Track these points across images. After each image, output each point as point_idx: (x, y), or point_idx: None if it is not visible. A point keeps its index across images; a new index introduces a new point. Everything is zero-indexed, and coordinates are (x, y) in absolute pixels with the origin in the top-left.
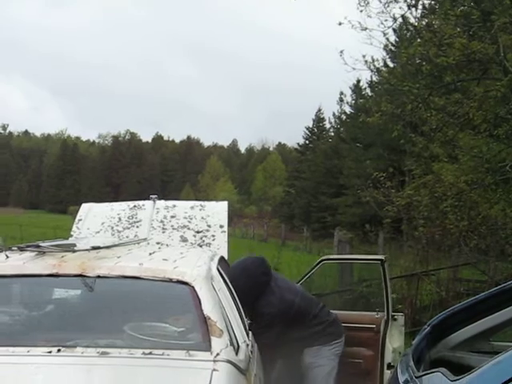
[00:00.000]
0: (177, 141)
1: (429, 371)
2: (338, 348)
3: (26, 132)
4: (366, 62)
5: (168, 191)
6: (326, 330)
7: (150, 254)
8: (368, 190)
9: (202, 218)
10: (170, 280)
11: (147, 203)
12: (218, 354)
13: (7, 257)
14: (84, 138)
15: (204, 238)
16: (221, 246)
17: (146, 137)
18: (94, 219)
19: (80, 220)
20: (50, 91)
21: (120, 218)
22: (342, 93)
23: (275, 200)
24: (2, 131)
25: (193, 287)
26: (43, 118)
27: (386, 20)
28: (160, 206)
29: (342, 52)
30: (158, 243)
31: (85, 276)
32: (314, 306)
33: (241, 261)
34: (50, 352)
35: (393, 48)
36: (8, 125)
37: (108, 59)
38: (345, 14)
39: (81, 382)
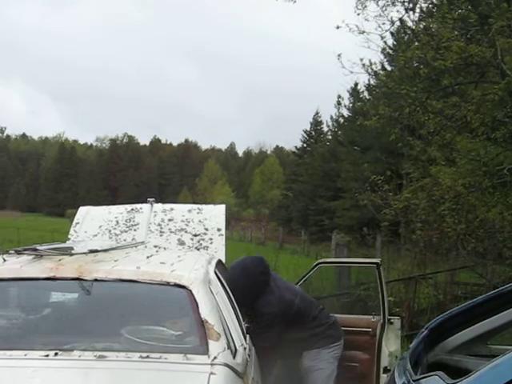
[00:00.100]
0: (174, 144)
1: (426, 375)
2: (337, 351)
3: (24, 135)
4: (363, 65)
5: (166, 194)
6: (325, 332)
7: (148, 257)
8: (366, 193)
9: (200, 221)
10: (168, 283)
11: (145, 206)
12: (215, 358)
13: (4, 260)
14: (82, 141)
15: (201, 242)
16: (218, 250)
17: (144, 140)
18: (92, 222)
19: (77, 223)
20: (49, 94)
21: (117, 221)
22: (339, 96)
23: (273, 203)
24: (0, 134)
25: (190, 291)
26: (41, 121)
27: (383, 23)
28: (157, 209)
29: (339, 55)
30: (155, 246)
31: (82, 279)
32: (313, 308)
33: (240, 261)
34: (47, 355)
35: (390, 51)
36: (5, 128)
37: (108, 63)
38: (343, 18)
39: None
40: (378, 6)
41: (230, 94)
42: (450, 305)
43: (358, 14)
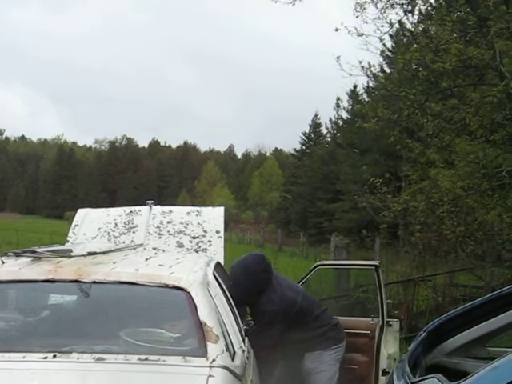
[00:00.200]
0: (173, 146)
1: (425, 377)
2: (339, 353)
3: (23, 137)
4: (362, 67)
5: (164, 197)
6: (327, 333)
7: (146, 259)
8: (364, 195)
9: (199, 223)
10: (166, 286)
11: (143, 209)
12: (213, 360)
13: (3, 262)
14: (81, 144)
15: (200, 244)
16: (217, 252)
17: (143, 142)
18: (91, 225)
19: (76, 225)
20: (48, 96)
21: (116, 224)
22: (338, 98)
23: (272, 205)
24: None
25: (189, 293)
26: (40, 123)
27: (382, 26)
28: (156, 211)
29: (338, 58)
30: (154, 249)
31: (81, 282)
32: (316, 307)
33: (241, 259)
34: (46, 358)
35: (389, 54)
36: (5, 130)
37: (107, 65)
38: (342, 20)
39: None
40: (377, 8)
41: (229, 96)
42: (449, 307)
43: (357, 17)
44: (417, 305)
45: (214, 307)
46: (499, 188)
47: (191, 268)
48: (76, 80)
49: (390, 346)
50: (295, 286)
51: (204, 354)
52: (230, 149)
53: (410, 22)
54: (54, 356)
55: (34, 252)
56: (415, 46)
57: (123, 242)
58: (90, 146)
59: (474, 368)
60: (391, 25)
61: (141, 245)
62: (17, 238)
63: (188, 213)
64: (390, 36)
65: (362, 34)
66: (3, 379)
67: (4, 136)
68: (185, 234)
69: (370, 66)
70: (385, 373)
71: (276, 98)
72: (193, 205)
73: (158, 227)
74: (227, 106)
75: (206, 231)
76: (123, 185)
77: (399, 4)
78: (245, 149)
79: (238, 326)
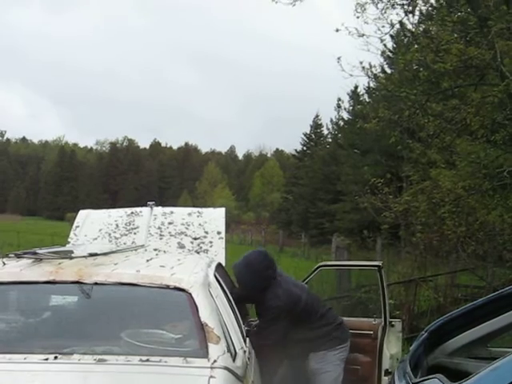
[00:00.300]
0: (174, 147)
1: (426, 377)
2: (344, 353)
3: (24, 139)
4: (363, 68)
5: (165, 198)
6: (332, 333)
7: (148, 260)
8: (366, 196)
9: (200, 224)
10: (167, 287)
11: (145, 210)
12: (215, 361)
13: (4, 264)
14: (82, 145)
15: (201, 245)
16: (218, 253)
17: (144, 143)
18: (92, 226)
19: (77, 227)
20: (49, 98)
21: (117, 225)
22: (339, 99)
23: (273, 206)
24: (0, 138)
25: (190, 294)
26: (41, 124)
27: (383, 26)
28: (157, 212)
29: (339, 58)
30: (155, 250)
31: (82, 283)
32: (320, 306)
33: (244, 257)
34: (47, 359)
35: (390, 54)
36: (6, 131)
37: (108, 66)
38: (342, 21)
39: None
40: (378, 8)
41: (230, 97)
42: (450, 307)
43: (358, 17)
44: (418, 305)
45: (215, 308)
46: (500, 188)
47: (192, 269)
48: (77, 81)
49: (392, 347)
50: (300, 284)
51: (205, 354)
52: (231, 150)
53: (410, 22)
54: (56, 357)
55: (35, 253)
56: (416, 46)
57: (124, 243)
58: (91, 148)
59: (475, 368)
60: (392, 25)
61: (142, 246)
62: (18, 240)
63: (189, 214)
64: (391, 36)
65: (363, 35)
66: (4, 381)
67: (5, 138)
68: (186, 235)
69: (370, 67)
70: (387, 373)
71: (277, 98)
72: (194, 206)
73: (159, 228)
74: (228, 107)
75: (207, 232)
76: (124, 186)
77: (400, 4)
78: (246, 150)
79: (239, 326)
